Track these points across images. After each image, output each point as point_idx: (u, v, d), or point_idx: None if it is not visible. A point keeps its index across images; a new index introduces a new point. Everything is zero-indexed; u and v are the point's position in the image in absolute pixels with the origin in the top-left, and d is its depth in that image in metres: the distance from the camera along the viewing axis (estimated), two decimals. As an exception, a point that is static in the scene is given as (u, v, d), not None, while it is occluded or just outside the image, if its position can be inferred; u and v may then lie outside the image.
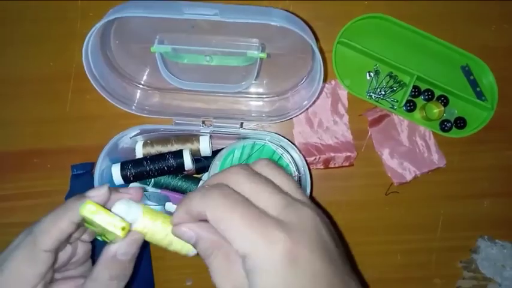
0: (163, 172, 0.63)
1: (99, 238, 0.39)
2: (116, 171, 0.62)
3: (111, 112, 0.68)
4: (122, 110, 0.62)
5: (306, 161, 0.64)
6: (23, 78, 0.70)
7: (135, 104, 0.64)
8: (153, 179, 0.64)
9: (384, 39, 0.71)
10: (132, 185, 0.65)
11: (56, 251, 0.37)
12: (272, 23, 0.50)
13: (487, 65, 0.70)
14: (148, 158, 0.63)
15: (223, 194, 0.30)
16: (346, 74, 0.70)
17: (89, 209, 0.33)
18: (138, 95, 0.65)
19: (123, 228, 0.33)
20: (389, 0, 0.71)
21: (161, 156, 0.63)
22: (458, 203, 0.74)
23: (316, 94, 0.57)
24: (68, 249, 0.41)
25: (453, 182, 0.73)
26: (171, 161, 0.62)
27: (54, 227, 0.36)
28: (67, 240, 0.38)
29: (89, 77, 0.55)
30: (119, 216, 0.33)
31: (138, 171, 0.62)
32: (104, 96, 0.59)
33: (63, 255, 0.40)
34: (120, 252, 0.35)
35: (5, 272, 0.35)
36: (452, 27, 0.72)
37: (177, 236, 0.32)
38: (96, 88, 0.57)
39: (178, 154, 0.62)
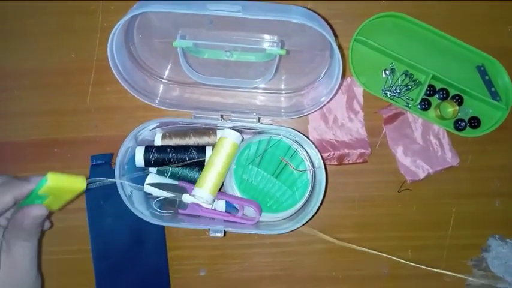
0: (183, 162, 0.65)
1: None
2: (139, 153, 0.64)
3: (130, 104, 0.70)
4: (140, 102, 0.63)
5: (321, 155, 0.64)
6: (45, 70, 0.72)
7: (158, 98, 0.65)
8: (170, 170, 0.66)
9: (400, 37, 0.72)
10: (151, 169, 0.67)
11: None
12: (293, 21, 0.51)
13: (503, 65, 0.71)
14: (173, 147, 0.65)
15: None
16: (362, 72, 0.71)
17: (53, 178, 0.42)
18: (161, 89, 0.66)
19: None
20: (407, -1, 0.72)
21: (185, 148, 0.65)
22: (470, 202, 0.74)
23: (334, 91, 0.58)
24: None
25: (466, 181, 0.74)
26: (194, 154, 0.64)
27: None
28: None
29: (114, 71, 0.56)
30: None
31: (160, 156, 0.64)
32: (129, 90, 0.60)
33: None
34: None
35: None
36: (469, 28, 0.72)
37: None
38: (121, 82, 0.58)
39: (202, 149, 0.65)
